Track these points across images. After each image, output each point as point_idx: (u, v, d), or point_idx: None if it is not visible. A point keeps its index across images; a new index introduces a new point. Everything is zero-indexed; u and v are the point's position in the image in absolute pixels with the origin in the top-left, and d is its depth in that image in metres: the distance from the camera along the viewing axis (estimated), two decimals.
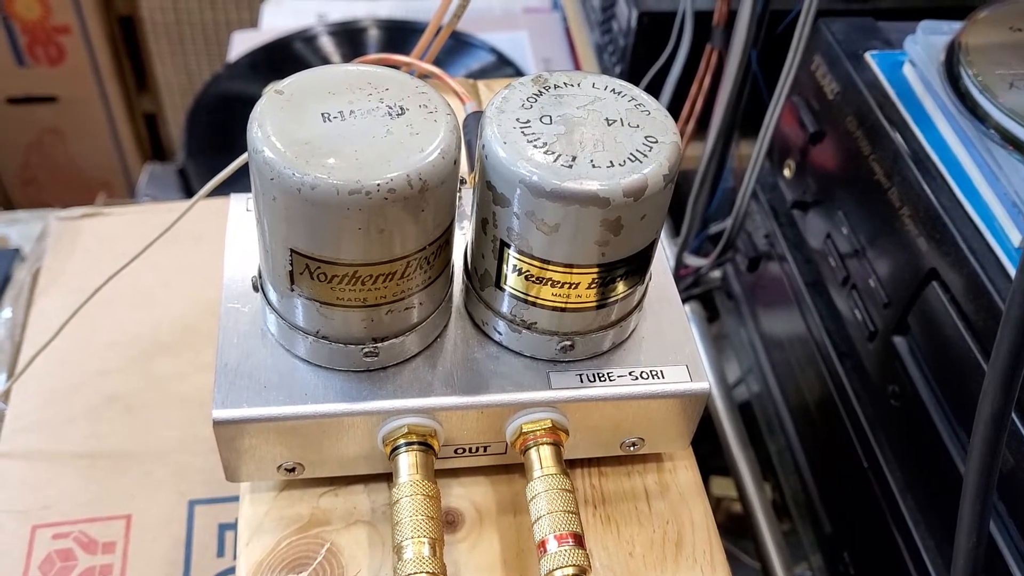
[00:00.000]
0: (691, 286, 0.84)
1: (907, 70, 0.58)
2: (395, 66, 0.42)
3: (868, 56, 0.59)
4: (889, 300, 0.57)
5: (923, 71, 0.56)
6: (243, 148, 0.34)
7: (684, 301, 0.84)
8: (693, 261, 0.78)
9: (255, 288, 0.37)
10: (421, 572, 0.32)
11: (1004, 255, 0.49)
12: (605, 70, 0.89)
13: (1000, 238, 0.49)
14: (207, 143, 1.06)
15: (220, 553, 0.52)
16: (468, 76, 1.05)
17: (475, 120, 0.48)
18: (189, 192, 1.20)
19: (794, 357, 0.71)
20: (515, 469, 0.40)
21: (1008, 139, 0.51)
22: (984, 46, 0.54)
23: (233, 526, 0.52)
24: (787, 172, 0.71)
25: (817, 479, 0.68)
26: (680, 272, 0.81)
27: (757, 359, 0.77)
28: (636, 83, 0.64)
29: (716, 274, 0.84)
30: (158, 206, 0.69)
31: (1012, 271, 0.48)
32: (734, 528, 0.84)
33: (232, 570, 0.51)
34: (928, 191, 0.53)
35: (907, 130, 0.56)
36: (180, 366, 0.59)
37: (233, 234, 0.40)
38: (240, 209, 0.42)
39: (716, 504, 0.99)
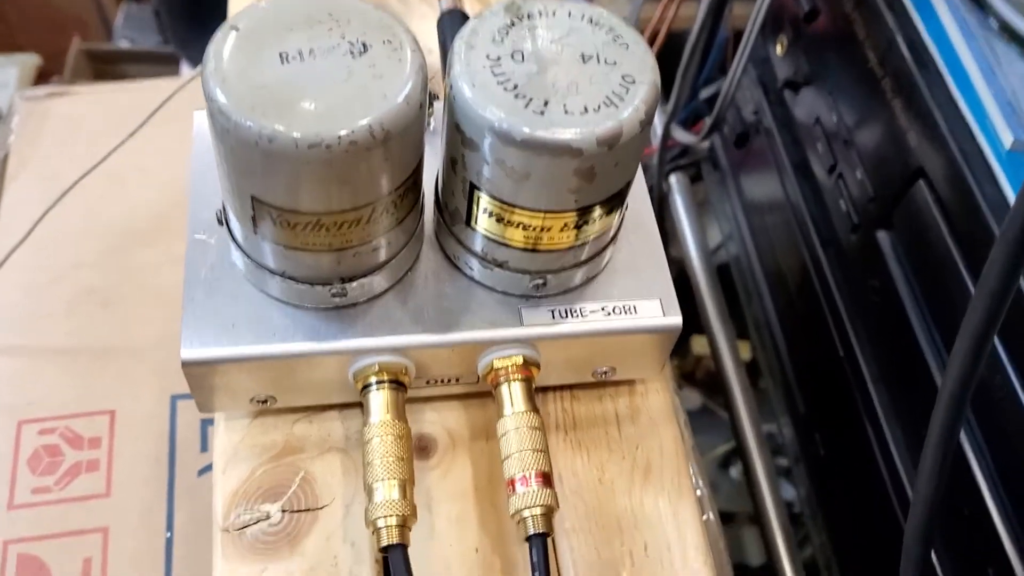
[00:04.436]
0: (677, 156, 0.83)
1: None
2: None
3: None
4: (875, 194, 0.56)
5: None
6: None
7: (669, 172, 0.83)
8: (681, 136, 0.77)
9: (219, 222, 0.36)
10: (391, 515, 0.33)
11: (994, 158, 0.47)
12: None
13: (992, 139, 0.48)
14: None
15: (204, 448, 0.53)
16: None
17: (450, 21, 0.45)
18: (166, 36, 1.15)
19: (778, 241, 0.71)
20: (488, 394, 0.40)
21: (1007, 30, 0.49)
22: None
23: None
24: (779, 49, 0.68)
25: (794, 361, 0.69)
26: (667, 143, 0.80)
27: (741, 238, 0.77)
28: None
29: (704, 144, 0.82)
30: (127, 84, 0.66)
31: (1001, 176, 0.47)
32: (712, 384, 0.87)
33: None
34: (922, 84, 0.51)
35: (905, 15, 0.54)
36: (156, 257, 0.58)
37: (198, 157, 0.39)
38: (205, 128, 0.40)
39: (696, 362, 1.01)
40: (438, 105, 0.41)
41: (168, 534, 0.50)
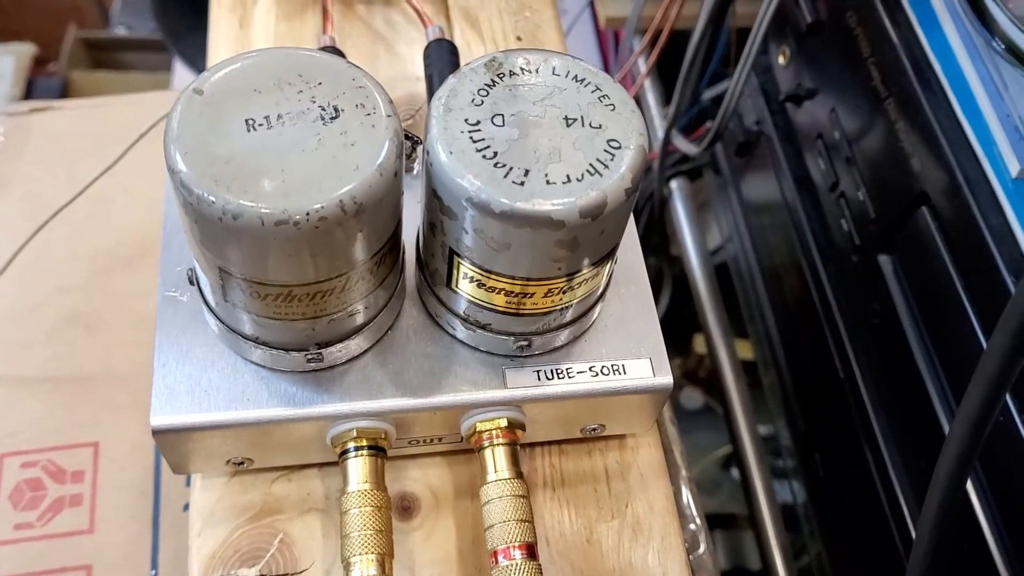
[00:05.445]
0: (679, 162, 0.81)
1: None
2: None
3: None
4: (876, 217, 0.54)
5: None
6: None
7: (670, 178, 0.82)
8: (682, 145, 0.75)
9: (190, 282, 0.34)
10: None
11: (999, 186, 0.46)
12: None
13: (997, 166, 0.46)
14: None
15: (189, 482, 0.52)
16: None
17: (437, 51, 0.44)
18: (163, 23, 1.13)
19: (778, 252, 0.69)
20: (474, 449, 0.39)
21: (1015, 54, 0.47)
22: None
23: None
24: (781, 59, 0.66)
25: (795, 378, 0.68)
26: (668, 148, 0.78)
27: (742, 244, 0.75)
28: None
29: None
30: (111, 99, 0.64)
31: (1006, 205, 0.45)
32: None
33: None
34: (927, 107, 0.49)
35: (911, 33, 0.52)
36: (141, 282, 0.57)
37: (172, 206, 0.37)
38: None
39: (698, 361, 1.00)
40: (422, 149, 0.39)
41: (153, 572, 0.49)
